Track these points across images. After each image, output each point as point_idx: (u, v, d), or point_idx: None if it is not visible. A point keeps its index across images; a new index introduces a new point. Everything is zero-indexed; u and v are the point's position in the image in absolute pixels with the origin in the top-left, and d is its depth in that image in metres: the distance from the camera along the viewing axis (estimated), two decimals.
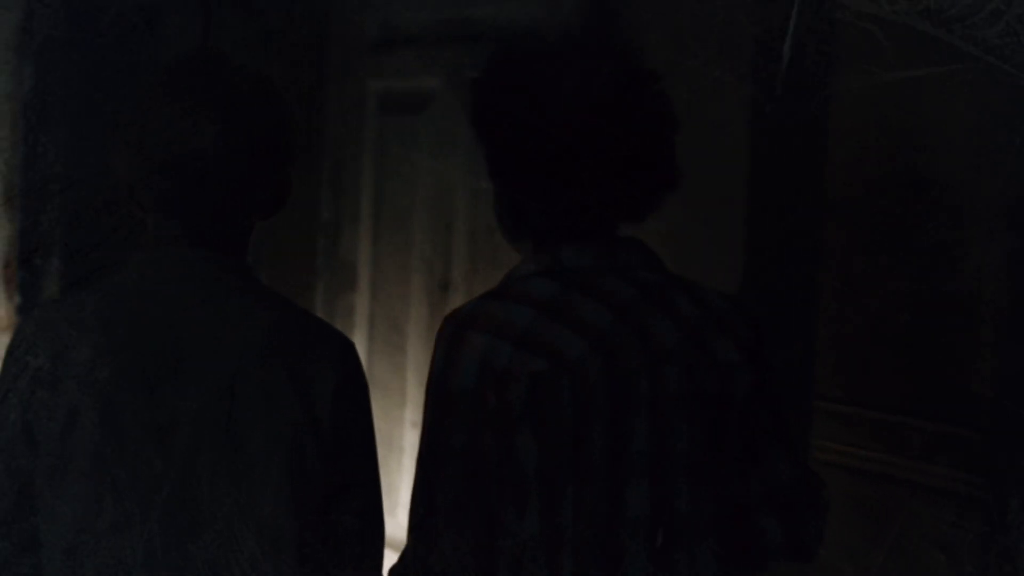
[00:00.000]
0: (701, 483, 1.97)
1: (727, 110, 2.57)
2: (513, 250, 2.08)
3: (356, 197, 3.86)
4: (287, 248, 3.81)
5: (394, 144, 3.74)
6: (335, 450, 1.88)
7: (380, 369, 3.72)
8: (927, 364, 2.44)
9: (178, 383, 1.84)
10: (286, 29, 3.72)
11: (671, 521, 1.96)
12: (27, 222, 2.83)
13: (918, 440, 2.45)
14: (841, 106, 2.44)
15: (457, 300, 3.44)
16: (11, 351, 1.93)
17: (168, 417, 1.83)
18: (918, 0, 2.11)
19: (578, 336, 1.93)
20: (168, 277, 1.91)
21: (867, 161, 2.48)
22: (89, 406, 1.84)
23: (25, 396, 1.87)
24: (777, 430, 2.04)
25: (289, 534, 1.84)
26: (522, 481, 1.92)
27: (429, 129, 3.59)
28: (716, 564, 1.98)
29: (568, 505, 1.92)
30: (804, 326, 2.66)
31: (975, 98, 2.19)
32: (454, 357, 1.92)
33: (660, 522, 1.95)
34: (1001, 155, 2.19)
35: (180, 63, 1.99)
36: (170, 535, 1.81)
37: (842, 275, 2.58)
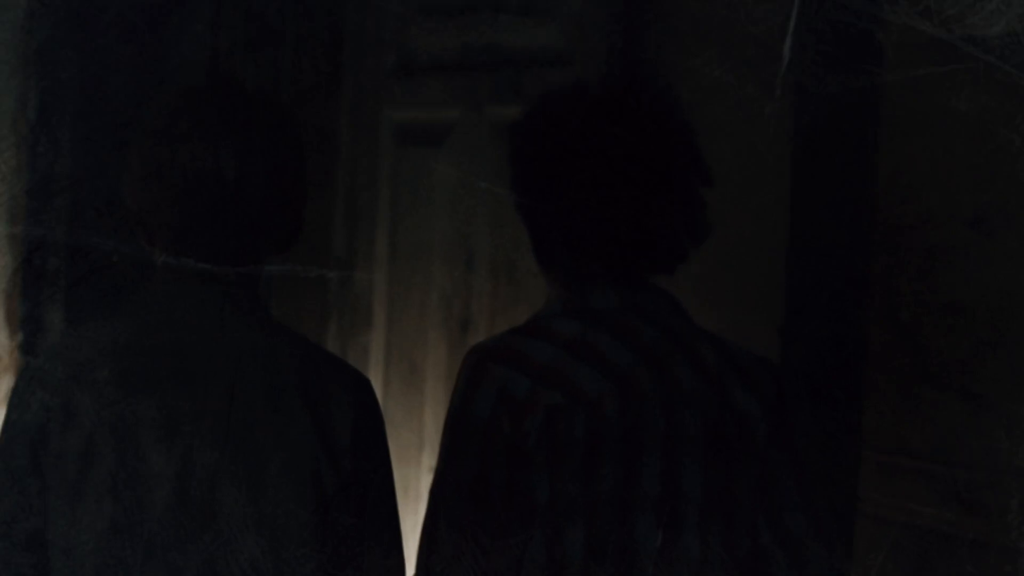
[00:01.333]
0: (711, 528, 1.99)
1: (757, 125, 2.54)
2: (535, 287, 2.11)
3: (371, 231, 3.71)
4: (297, 284, 3.53)
5: (411, 176, 3.61)
6: (355, 486, 1.88)
7: (396, 411, 3.55)
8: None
9: (193, 421, 1.83)
10: (297, 54, 3.65)
11: (679, 561, 1.97)
12: (27, 222, 2.83)
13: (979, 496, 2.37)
14: (841, 106, 2.44)
15: (477, 339, 3.25)
16: (18, 381, 1.91)
17: (183, 453, 1.82)
18: (918, 0, 2.11)
19: (596, 372, 1.98)
20: (181, 314, 1.88)
21: (866, 161, 2.48)
22: (102, 438, 1.82)
23: (27, 399, 1.86)
24: (797, 484, 2.05)
25: (292, 537, 1.84)
26: (531, 510, 1.94)
27: (448, 161, 3.47)
28: None
29: (575, 538, 1.94)
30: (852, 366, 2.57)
31: (975, 98, 2.19)
32: (473, 386, 1.97)
33: (669, 563, 1.97)
34: (1001, 155, 2.19)
35: (194, 90, 1.96)
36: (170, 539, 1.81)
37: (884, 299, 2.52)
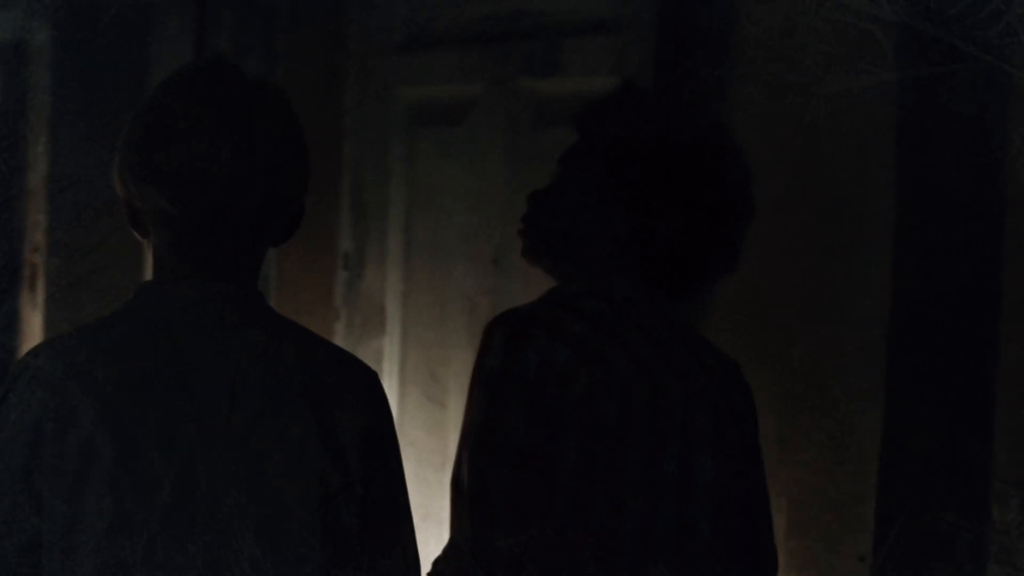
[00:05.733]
0: (722, 512, 2.07)
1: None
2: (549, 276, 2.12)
3: (382, 224, 3.35)
4: (302, 284, 3.38)
5: (427, 161, 3.25)
6: (364, 495, 1.85)
7: (414, 426, 3.22)
8: None
9: (196, 424, 1.80)
10: (296, 29, 3.38)
11: (693, 543, 2.05)
12: (27, 222, 2.83)
13: None
14: (841, 106, 2.44)
15: None
16: (18, 381, 1.87)
17: (187, 460, 1.80)
18: (918, 0, 2.12)
19: (627, 357, 2.03)
20: (180, 314, 1.83)
21: (865, 161, 2.48)
22: (102, 438, 1.79)
23: (26, 399, 1.85)
24: (759, 488, 2.16)
25: (294, 537, 1.84)
26: (557, 478, 2.00)
27: (469, 143, 3.12)
28: None
29: (596, 513, 1.98)
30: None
31: (975, 98, 2.19)
32: (516, 349, 2.00)
33: (683, 543, 2.02)
34: (1001, 155, 2.19)
35: (186, 75, 1.89)
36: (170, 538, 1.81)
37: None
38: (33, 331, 3.22)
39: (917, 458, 2.36)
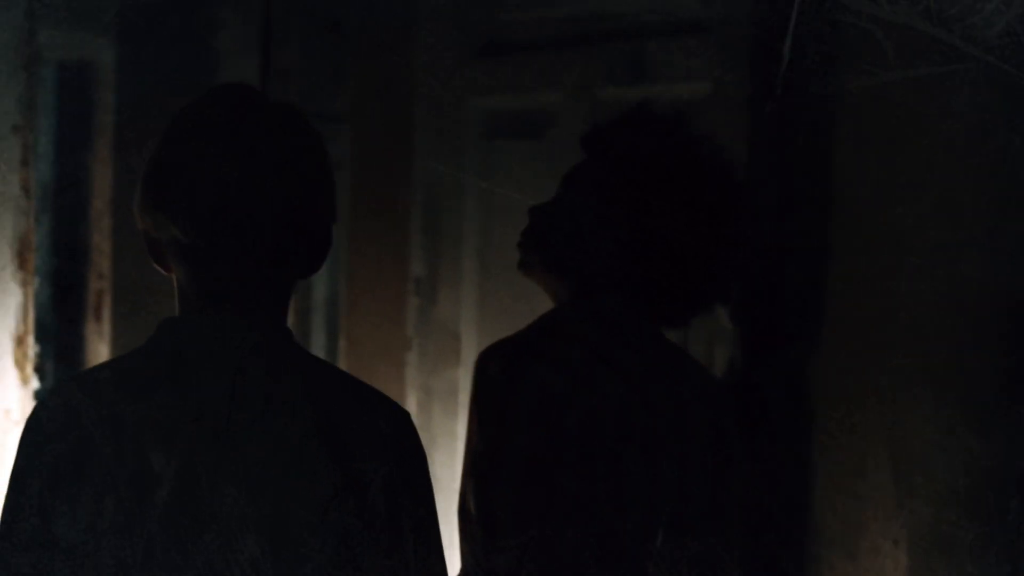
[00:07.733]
0: (710, 529, 2.12)
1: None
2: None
3: (456, 245, 3.19)
4: (372, 312, 3.22)
5: (504, 178, 3.10)
6: (366, 496, 1.82)
7: None
8: None
9: (196, 424, 1.78)
10: (361, 37, 3.23)
11: (692, 543, 2.10)
12: (27, 222, 2.83)
13: None
14: (841, 106, 2.44)
15: None
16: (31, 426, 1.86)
17: (187, 461, 1.79)
18: (918, 0, 2.12)
19: (621, 379, 2.08)
20: (203, 348, 1.81)
21: (865, 161, 2.48)
22: (102, 442, 1.78)
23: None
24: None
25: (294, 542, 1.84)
26: (558, 483, 2.05)
27: (549, 157, 2.90)
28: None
29: (596, 513, 2.00)
30: None
31: (975, 98, 2.19)
32: (517, 380, 2.06)
33: (673, 555, 2.06)
34: (1001, 155, 2.19)
35: (201, 100, 1.86)
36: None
37: None
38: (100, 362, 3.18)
39: None
